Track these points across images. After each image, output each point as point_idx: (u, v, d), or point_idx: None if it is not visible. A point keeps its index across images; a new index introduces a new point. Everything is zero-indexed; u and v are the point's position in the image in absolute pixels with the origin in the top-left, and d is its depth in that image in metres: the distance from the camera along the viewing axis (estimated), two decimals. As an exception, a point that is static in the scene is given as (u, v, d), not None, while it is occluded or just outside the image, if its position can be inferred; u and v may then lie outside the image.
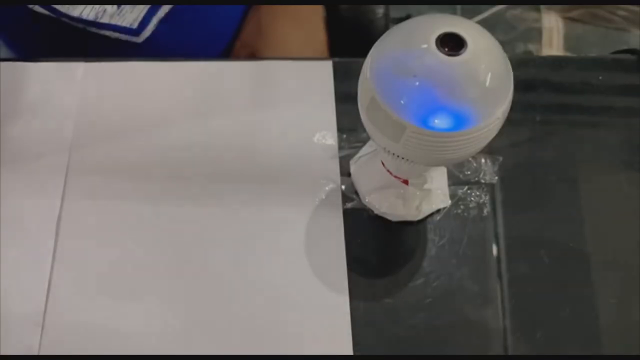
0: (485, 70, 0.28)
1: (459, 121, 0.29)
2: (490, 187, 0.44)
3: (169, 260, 0.41)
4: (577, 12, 1.21)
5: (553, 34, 1.21)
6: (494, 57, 0.29)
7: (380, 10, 0.63)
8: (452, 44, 0.28)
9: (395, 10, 0.68)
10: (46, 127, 0.45)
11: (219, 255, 0.42)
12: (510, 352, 0.40)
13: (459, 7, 1.22)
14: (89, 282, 0.41)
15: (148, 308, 0.40)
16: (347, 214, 0.43)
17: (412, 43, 0.29)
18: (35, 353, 0.39)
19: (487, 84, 0.28)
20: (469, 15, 1.18)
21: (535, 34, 1.22)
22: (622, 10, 1.18)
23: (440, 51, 0.28)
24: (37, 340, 0.39)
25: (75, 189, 0.43)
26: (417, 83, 0.28)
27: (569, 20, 1.22)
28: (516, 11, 1.23)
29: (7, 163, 0.44)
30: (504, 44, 0.30)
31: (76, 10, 0.48)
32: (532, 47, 1.21)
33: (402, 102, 0.29)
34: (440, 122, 0.29)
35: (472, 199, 0.43)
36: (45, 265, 0.41)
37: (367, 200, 0.42)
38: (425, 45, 0.28)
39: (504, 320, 0.40)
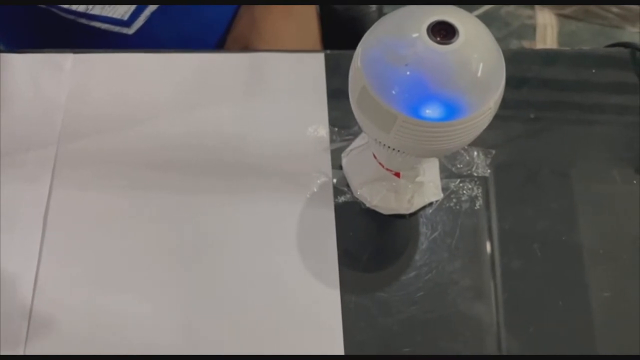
0: (478, 59, 0.28)
1: (451, 111, 0.28)
2: (483, 180, 0.43)
3: (158, 252, 0.41)
4: (571, 9, 1.21)
5: (547, 30, 1.21)
6: (486, 46, 0.28)
7: (373, 4, 0.63)
8: (443, 32, 0.28)
9: (389, 6, 0.68)
10: (34, 118, 0.44)
11: (209, 248, 0.41)
12: (502, 346, 0.39)
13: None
14: (76, 274, 0.40)
15: (136, 301, 0.40)
16: (338, 207, 0.42)
17: (403, 31, 0.28)
18: (22, 346, 0.38)
19: (479, 73, 0.28)
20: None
21: (529, 30, 1.22)
22: (616, 8, 1.19)
23: (432, 40, 0.27)
24: (24, 333, 0.39)
25: (63, 181, 0.43)
26: (409, 72, 0.28)
27: (562, 17, 1.22)
28: (510, 8, 1.23)
29: (-6, 155, 0.43)
30: (498, 41, 0.29)
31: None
32: (526, 43, 1.21)
33: (393, 91, 0.29)
34: (431, 111, 0.28)
35: (465, 192, 0.43)
36: (33, 257, 0.40)
37: (358, 193, 0.42)
38: (416, 34, 0.28)
39: (496, 314, 0.40)
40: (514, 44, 1.19)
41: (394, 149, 0.32)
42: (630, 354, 0.39)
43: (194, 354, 0.38)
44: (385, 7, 0.66)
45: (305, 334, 0.39)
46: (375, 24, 0.30)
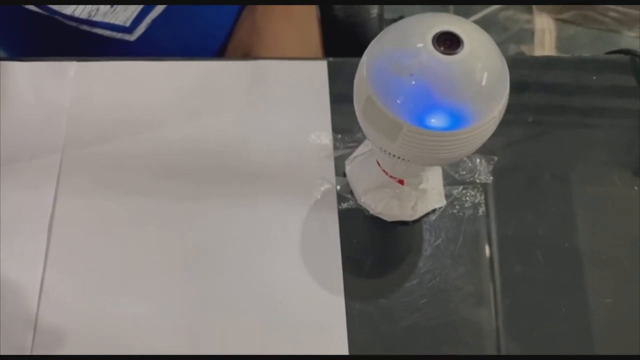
0: (482, 69, 0.28)
1: (456, 120, 0.29)
2: (485, 186, 0.44)
3: (163, 259, 0.41)
4: (569, 13, 1.22)
5: (545, 35, 1.22)
6: (490, 55, 0.29)
7: (374, 10, 0.63)
8: (448, 42, 0.28)
9: (389, 12, 0.68)
10: (38, 126, 0.45)
11: (213, 255, 0.41)
12: (505, 352, 0.39)
13: (451, 8, 1.22)
14: (81, 282, 0.40)
15: (142, 307, 0.40)
16: (342, 214, 0.42)
17: (408, 42, 0.29)
18: (27, 353, 0.38)
19: (484, 82, 0.28)
20: (461, 16, 1.18)
21: (528, 35, 1.22)
22: (613, 12, 1.19)
23: (437, 50, 0.28)
24: (29, 342, 0.39)
25: (68, 189, 0.43)
26: (414, 82, 0.28)
27: (560, 21, 1.23)
28: (508, 12, 1.24)
29: (-2, 163, 0.43)
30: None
31: (69, 9, 0.48)
32: (524, 48, 1.21)
33: (398, 101, 0.29)
34: (436, 121, 0.29)
35: (468, 198, 0.43)
36: (38, 265, 0.40)
37: (362, 200, 0.42)
38: (421, 44, 0.28)
39: (499, 321, 0.40)
40: (513, 49, 1.20)
41: (399, 158, 0.32)
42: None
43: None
44: (386, 13, 0.66)
45: (309, 341, 0.39)
46: (380, 33, 0.30)
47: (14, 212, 0.42)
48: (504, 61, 0.30)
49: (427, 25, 0.28)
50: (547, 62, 0.50)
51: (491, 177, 0.44)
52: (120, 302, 0.40)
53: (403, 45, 0.29)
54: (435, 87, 0.28)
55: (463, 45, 0.28)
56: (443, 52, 0.28)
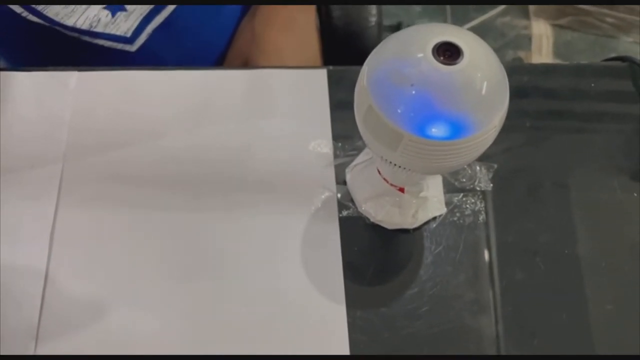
0: (482, 78, 0.28)
1: (456, 130, 0.29)
2: (486, 194, 0.44)
3: (164, 268, 0.41)
4: (566, 19, 1.23)
5: (542, 41, 1.22)
6: (490, 65, 0.29)
7: (372, 19, 0.63)
8: (448, 52, 0.28)
9: (387, 17, 0.69)
10: (40, 136, 0.45)
11: (215, 263, 0.41)
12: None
13: (449, 13, 1.23)
14: (83, 292, 0.40)
15: (144, 317, 0.40)
16: (343, 222, 0.42)
17: (408, 52, 0.29)
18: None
19: (484, 92, 0.28)
20: (459, 23, 1.19)
21: (525, 41, 1.23)
22: (611, 18, 1.20)
23: (437, 60, 0.28)
24: (31, 352, 0.39)
25: (69, 199, 0.43)
26: (414, 92, 0.28)
27: (558, 27, 1.24)
28: (506, 19, 1.25)
29: (0, 173, 0.43)
30: (494, 51, 0.30)
31: (70, 20, 0.48)
32: (521, 54, 1.22)
33: (399, 110, 0.29)
34: (437, 130, 0.29)
35: (468, 206, 0.43)
36: (39, 275, 0.40)
37: (363, 208, 0.42)
38: (421, 54, 0.28)
39: (500, 328, 0.40)
40: (510, 55, 1.20)
41: (399, 166, 0.32)
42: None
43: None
44: (385, 19, 0.66)
45: (311, 348, 0.39)
46: (381, 43, 0.31)
47: (16, 222, 0.42)
48: (504, 71, 0.30)
49: (427, 36, 0.29)
50: (545, 69, 0.50)
51: (491, 185, 0.44)
52: (122, 312, 0.40)
53: (403, 55, 0.29)
54: (435, 96, 0.28)
55: (463, 55, 0.28)
56: (443, 62, 0.28)
